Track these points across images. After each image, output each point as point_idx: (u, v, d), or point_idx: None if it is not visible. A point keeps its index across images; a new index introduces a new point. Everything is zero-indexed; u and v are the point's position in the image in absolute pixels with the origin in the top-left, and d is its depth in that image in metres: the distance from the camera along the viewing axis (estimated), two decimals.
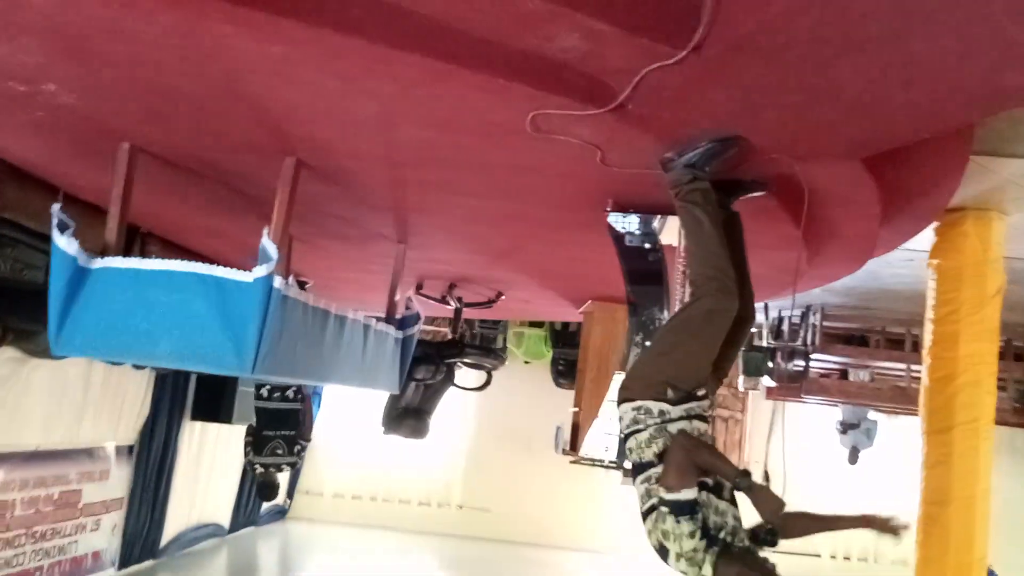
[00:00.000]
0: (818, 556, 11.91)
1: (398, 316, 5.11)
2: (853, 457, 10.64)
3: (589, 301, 6.47)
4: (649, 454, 2.65)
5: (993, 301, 4.39)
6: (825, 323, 8.46)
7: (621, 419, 2.79)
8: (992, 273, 4.39)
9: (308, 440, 6.52)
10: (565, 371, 10.23)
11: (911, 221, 4.06)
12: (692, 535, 2.44)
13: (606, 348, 6.40)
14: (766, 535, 2.48)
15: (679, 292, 4.04)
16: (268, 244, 3.15)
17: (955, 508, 4.22)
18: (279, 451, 6.26)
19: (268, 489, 6.44)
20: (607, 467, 3.96)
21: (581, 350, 6.84)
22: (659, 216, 3.81)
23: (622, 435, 2.83)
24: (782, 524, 2.50)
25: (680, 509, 2.48)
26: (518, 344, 10.92)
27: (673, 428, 2.66)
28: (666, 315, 3.97)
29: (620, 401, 2.82)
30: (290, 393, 6.29)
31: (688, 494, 2.49)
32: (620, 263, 4.00)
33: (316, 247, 5.30)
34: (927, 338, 4.52)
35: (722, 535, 2.51)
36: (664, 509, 2.49)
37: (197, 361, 3.22)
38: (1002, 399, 8.18)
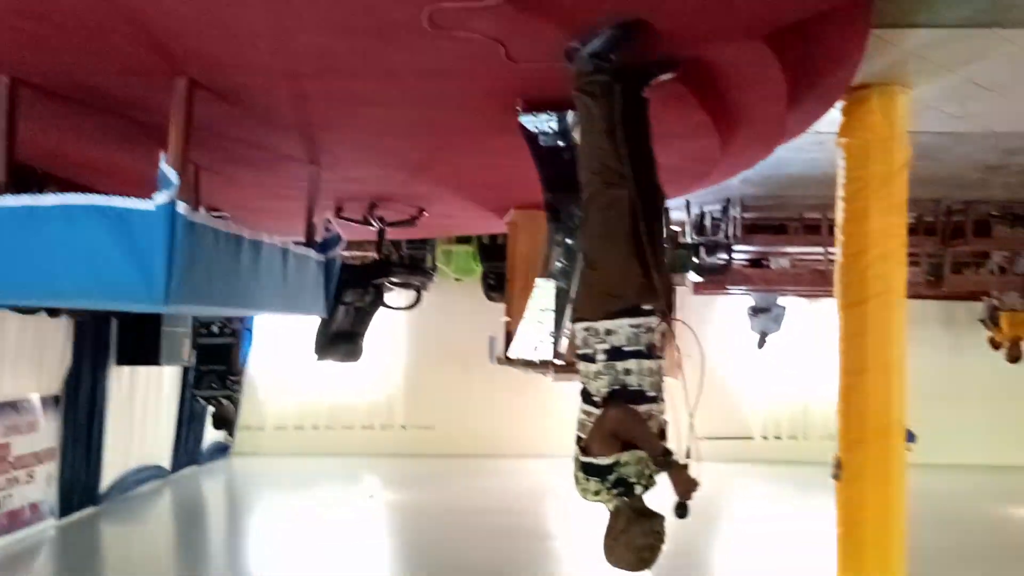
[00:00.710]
0: (751, 439, 12.46)
1: (318, 239, 5.02)
2: (761, 342, 11.00)
3: (512, 210, 6.43)
4: (593, 388, 2.68)
5: (900, 175, 4.50)
6: (745, 215, 8.61)
7: (574, 337, 2.78)
8: (898, 148, 4.49)
9: (238, 374, 6.60)
10: (496, 284, 10.22)
11: (818, 101, 4.10)
12: (596, 493, 2.60)
13: (533, 256, 6.37)
14: (677, 509, 2.54)
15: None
16: (167, 169, 3.02)
17: (872, 376, 4.39)
18: (213, 385, 6.42)
19: (222, 422, 6.67)
20: (537, 367, 4.00)
21: (508, 260, 6.83)
22: (572, 112, 3.77)
23: (576, 354, 2.81)
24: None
25: (589, 470, 2.60)
26: (447, 262, 10.88)
27: (621, 367, 2.64)
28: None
29: (573, 320, 2.83)
30: (215, 328, 6.29)
31: (603, 460, 2.58)
32: (536, 165, 3.97)
33: (226, 177, 5.13)
34: (839, 216, 4.63)
35: (635, 484, 2.58)
36: (577, 467, 2.63)
37: (106, 296, 3.12)
38: (916, 273, 8.54)
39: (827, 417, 4.64)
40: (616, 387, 2.64)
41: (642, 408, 2.62)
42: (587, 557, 7.13)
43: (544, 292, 4.28)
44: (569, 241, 3.93)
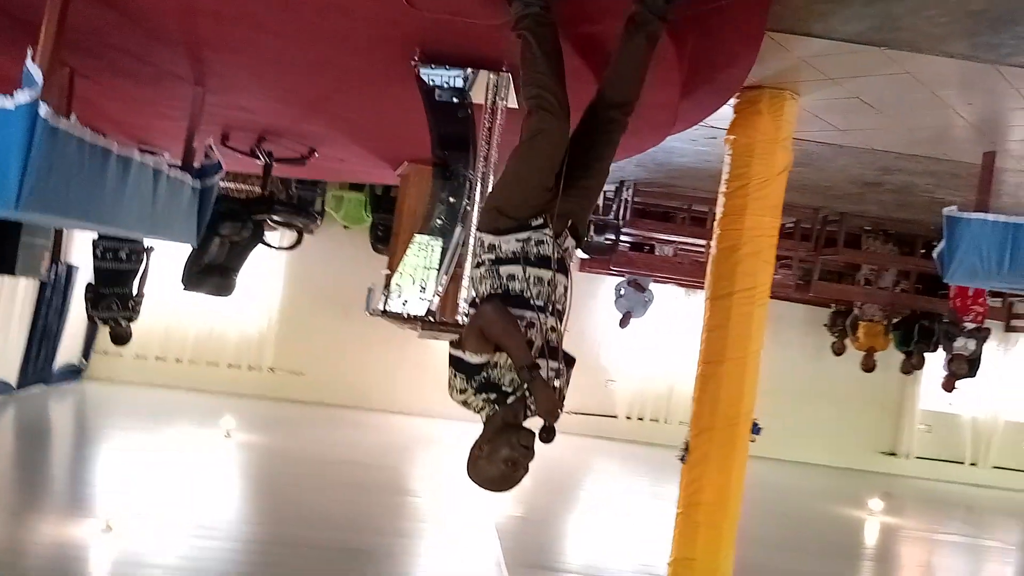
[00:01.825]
0: (615, 417, 12.82)
1: (197, 165, 4.83)
2: (624, 322, 11.29)
3: (405, 163, 6.34)
4: (478, 292, 2.71)
5: (779, 178, 4.67)
6: (636, 199, 8.78)
7: (486, 250, 2.73)
8: (781, 151, 4.65)
9: (141, 297, 7.02)
10: (383, 236, 10.09)
11: (711, 95, 4.19)
12: (462, 391, 2.59)
13: (421, 211, 6.36)
14: (543, 432, 2.53)
15: (491, 155, 4.04)
16: (32, 68, 2.84)
17: (728, 367, 4.57)
18: (114, 307, 6.89)
19: (118, 340, 7.13)
20: (406, 322, 3.98)
21: (396, 213, 6.74)
22: (469, 69, 3.73)
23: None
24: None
25: (459, 365, 2.59)
26: (337, 208, 10.67)
27: (504, 272, 2.65)
28: (472, 176, 3.95)
29: (477, 230, 2.84)
30: (123, 255, 6.80)
31: (471, 358, 2.57)
32: (428, 120, 3.91)
33: (104, 86, 4.85)
34: (718, 211, 4.77)
35: (508, 392, 2.58)
36: (449, 361, 2.61)
37: None
38: (788, 276, 8.93)
39: (688, 403, 4.81)
40: (498, 290, 2.65)
41: (523, 313, 2.61)
42: (443, 516, 7.21)
43: (422, 248, 4.25)
44: (453, 200, 3.91)
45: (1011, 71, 3.87)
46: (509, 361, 2.57)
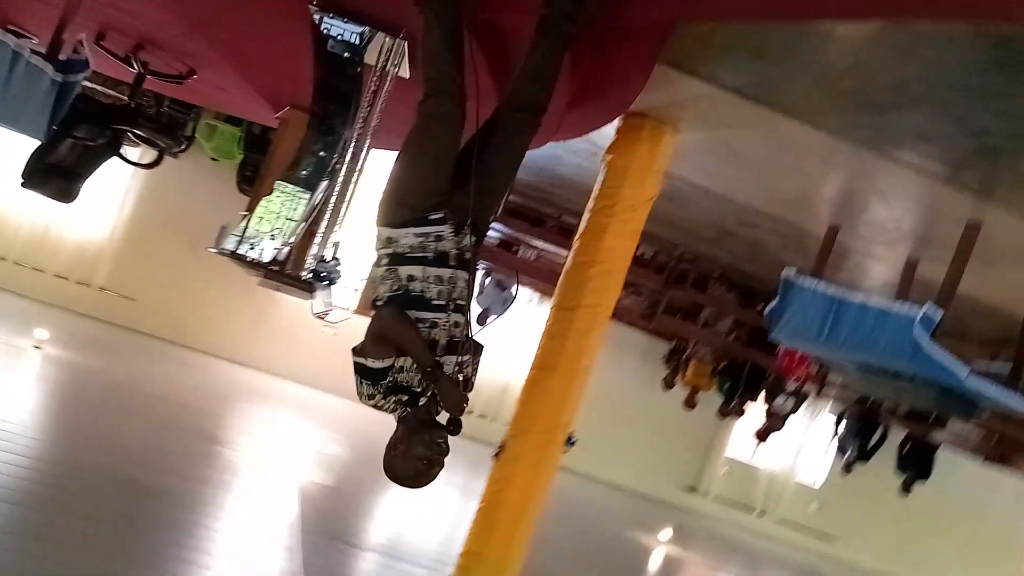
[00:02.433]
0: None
1: (63, 58, 4.53)
2: (482, 318, 11.39)
3: (288, 107, 6.16)
4: (379, 293, 2.68)
5: (645, 206, 4.82)
6: (512, 197, 8.86)
7: (384, 244, 2.72)
8: (651, 181, 4.80)
9: None
10: (252, 178, 9.79)
11: (597, 111, 4.30)
12: (370, 397, 2.63)
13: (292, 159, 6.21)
14: (450, 425, 2.63)
15: (372, 118, 3.98)
16: None
17: (558, 376, 4.68)
18: None
19: None
20: (247, 265, 3.86)
21: (268, 156, 6.53)
22: (367, 28, 3.68)
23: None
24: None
25: (363, 372, 2.60)
26: (208, 137, 10.21)
27: (404, 272, 2.63)
28: (349, 135, 3.88)
29: (376, 225, 2.76)
30: None
31: (374, 363, 2.58)
32: (314, 68, 3.83)
33: None
34: (582, 225, 4.88)
35: (418, 391, 2.64)
36: (354, 368, 2.62)
37: None
38: (636, 302, 9.24)
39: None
40: (398, 291, 2.64)
41: (423, 314, 2.62)
42: (248, 471, 7.04)
43: (285, 197, 4.13)
44: (323, 154, 3.83)
45: (870, 155, 4.15)
46: (415, 364, 2.61)
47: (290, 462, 7.20)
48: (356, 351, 2.64)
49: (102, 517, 4.37)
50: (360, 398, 2.69)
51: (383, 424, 2.72)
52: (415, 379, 2.65)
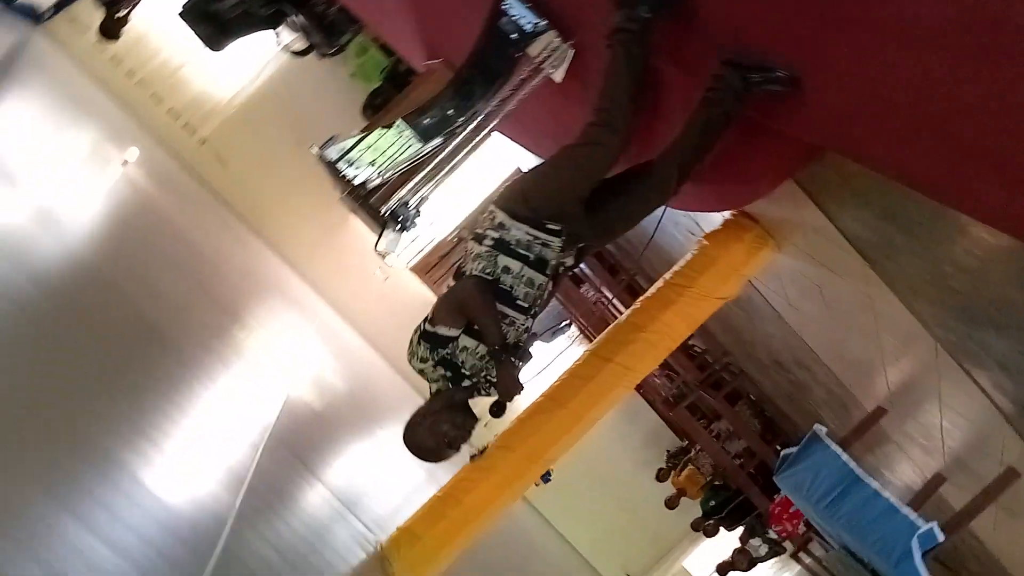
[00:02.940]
0: None
1: None
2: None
3: (441, 60, 6.28)
4: (467, 268, 2.76)
5: (715, 302, 4.80)
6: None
7: (483, 218, 2.83)
8: (733, 283, 4.78)
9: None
10: (379, 107, 9.99)
11: (714, 196, 4.27)
12: (423, 360, 2.70)
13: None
14: (494, 407, 2.74)
15: (508, 103, 4.04)
16: None
17: (564, 414, 4.68)
18: None
19: (107, 32, 7.42)
20: (339, 180, 3.95)
21: (402, 94, 6.74)
22: (545, 23, 3.72)
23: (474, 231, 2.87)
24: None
25: (426, 336, 2.69)
26: (358, 54, 10.47)
27: (502, 263, 2.70)
28: (481, 108, 3.93)
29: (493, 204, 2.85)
30: None
31: (443, 331, 2.66)
32: (480, 36, 3.88)
33: None
34: (650, 290, 4.88)
35: (465, 375, 2.71)
36: (418, 334, 2.71)
37: None
38: (665, 386, 9.17)
39: (510, 422, 4.93)
40: (488, 276, 2.71)
41: (506, 310, 2.71)
42: (253, 357, 7.15)
43: (399, 134, 4.21)
44: (450, 114, 3.89)
45: (948, 359, 4.05)
46: (478, 349, 2.67)
47: (290, 371, 7.31)
48: (428, 320, 2.72)
49: (102, 334, 4.48)
50: (410, 359, 2.76)
51: (390, 382, 2.78)
52: (469, 362, 2.71)
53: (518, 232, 2.72)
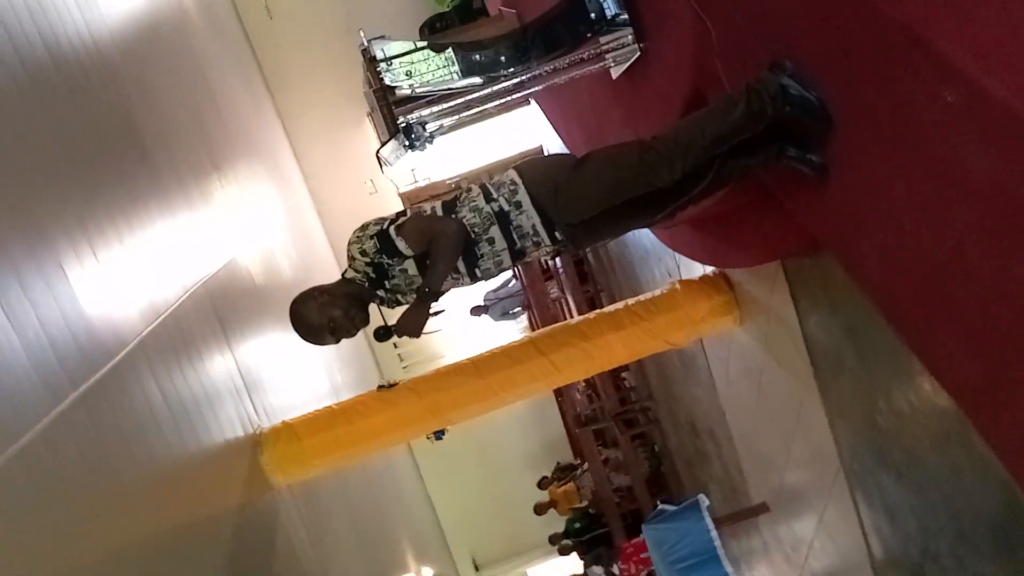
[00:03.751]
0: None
1: None
2: (476, 311, 11.43)
3: (515, 11, 6.22)
4: (461, 211, 2.75)
5: (662, 344, 4.89)
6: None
7: (503, 182, 2.81)
8: (685, 334, 4.88)
9: None
10: (437, 29, 9.96)
11: (702, 248, 4.36)
12: (362, 254, 2.71)
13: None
14: (381, 330, 2.74)
15: (557, 76, 4.02)
16: None
17: (480, 384, 4.70)
18: None
19: None
20: (375, 78, 3.91)
21: (461, 28, 6.70)
22: (628, 20, 3.70)
23: (485, 184, 2.86)
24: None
25: (382, 237, 2.70)
26: None
27: (490, 233, 2.72)
28: (531, 68, 3.91)
29: (516, 168, 2.84)
30: None
31: (401, 245, 2.68)
32: (561, 1, 3.86)
33: None
34: (608, 308, 4.95)
35: (385, 286, 2.75)
36: (377, 229, 2.71)
37: None
38: (582, 403, 9.27)
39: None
40: (470, 233, 2.72)
41: (461, 267, 2.74)
42: (216, 206, 7.07)
43: (445, 58, 4.17)
44: (502, 60, 3.86)
45: (843, 488, 4.15)
46: (414, 278, 2.71)
47: (246, 236, 7.25)
48: (396, 224, 2.72)
49: (88, 119, 4.38)
50: (353, 243, 2.74)
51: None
52: (398, 282, 2.73)
53: (526, 219, 2.74)
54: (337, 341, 2.77)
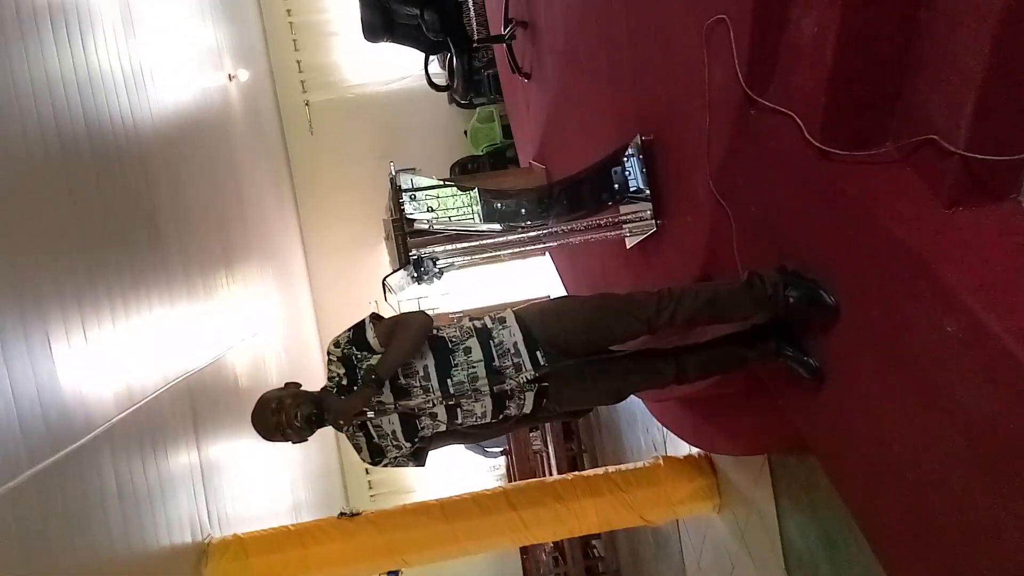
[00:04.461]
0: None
1: None
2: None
3: (543, 165, 6.41)
4: (442, 327, 2.76)
5: (636, 519, 4.76)
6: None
7: (496, 323, 2.77)
8: (661, 513, 4.78)
9: None
10: (467, 171, 10.26)
11: (688, 427, 4.30)
12: (337, 345, 2.69)
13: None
14: (313, 414, 2.63)
15: (574, 236, 4.10)
16: None
17: (444, 529, 4.56)
18: None
19: None
20: (395, 197, 4.01)
21: (490, 174, 6.91)
22: (649, 193, 3.79)
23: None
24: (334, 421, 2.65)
25: (357, 330, 2.68)
26: (481, 119, 10.80)
27: (472, 353, 2.66)
28: (550, 225, 4.00)
29: (516, 313, 2.82)
30: None
31: (371, 337, 2.65)
32: (588, 167, 3.98)
33: None
34: (588, 471, 4.86)
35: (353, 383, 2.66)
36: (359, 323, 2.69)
37: None
38: (548, 567, 8.96)
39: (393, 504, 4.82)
40: (447, 346, 2.67)
41: (426, 365, 2.63)
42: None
43: (469, 200, 4.24)
44: (522, 212, 3.95)
45: None
46: (372, 366, 2.61)
47: (240, 336, 7.24)
48: (375, 317, 2.71)
49: (109, 198, 4.47)
50: (333, 342, 2.71)
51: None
52: (357, 374, 2.64)
53: (508, 336, 2.69)
54: (285, 439, 2.68)
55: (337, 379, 2.68)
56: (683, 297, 2.71)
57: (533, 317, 2.75)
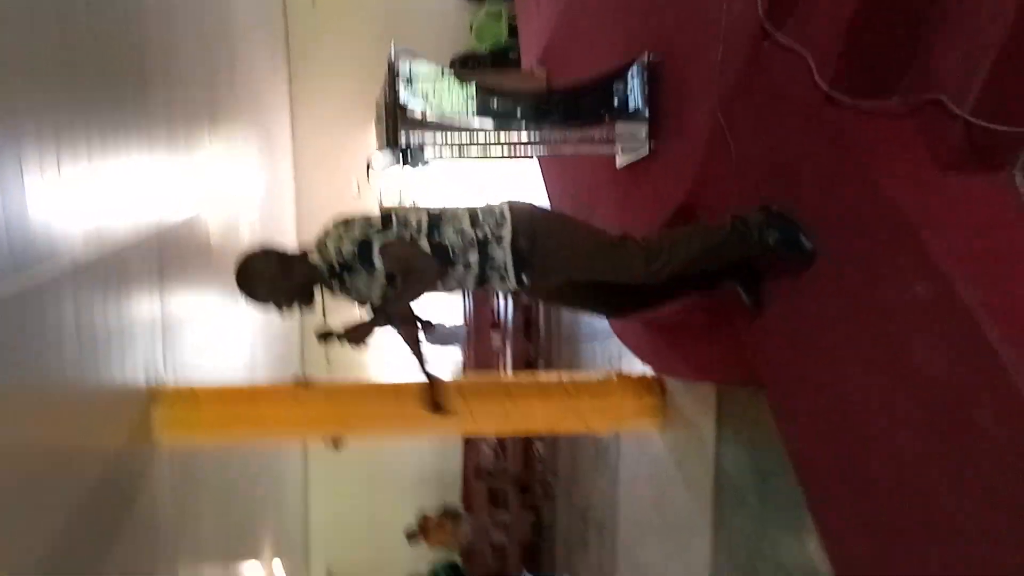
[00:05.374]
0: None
1: None
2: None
3: (546, 68, 6.29)
4: (445, 233, 2.76)
5: (580, 426, 4.91)
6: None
7: (491, 210, 2.82)
8: (607, 423, 4.92)
9: None
10: (467, 67, 10.07)
11: (651, 350, 4.39)
12: (339, 253, 2.69)
13: (503, 87, 6.35)
14: (323, 334, 2.72)
15: (566, 146, 4.07)
16: None
17: (392, 408, 4.58)
18: None
19: None
20: (391, 82, 3.93)
21: (495, 70, 6.76)
22: (648, 114, 3.76)
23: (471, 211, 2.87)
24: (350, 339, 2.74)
25: (363, 249, 2.67)
26: (489, 17, 10.55)
27: (468, 257, 2.74)
28: (543, 130, 3.96)
29: (508, 204, 2.85)
30: None
31: (378, 263, 2.66)
32: (590, 78, 3.92)
33: None
34: (542, 376, 4.96)
35: (344, 287, 2.76)
36: (362, 237, 2.68)
37: None
38: (489, 458, 9.21)
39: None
40: (450, 253, 2.73)
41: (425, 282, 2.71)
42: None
43: (464, 93, 4.19)
44: (517, 113, 3.91)
45: None
46: (374, 290, 2.70)
47: (217, 198, 7.15)
48: (380, 236, 2.69)
49: (97, 32, 4.32)
50: (326, 237, 2.71)
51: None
52: (359, 288, 2.72)
53: (501, 255, 2.75)
54: (269, 310, 2.74)
55: (328, 266, 2.69)
56: (674, 248, 2.76)
57: (526, 243, 2.76)
